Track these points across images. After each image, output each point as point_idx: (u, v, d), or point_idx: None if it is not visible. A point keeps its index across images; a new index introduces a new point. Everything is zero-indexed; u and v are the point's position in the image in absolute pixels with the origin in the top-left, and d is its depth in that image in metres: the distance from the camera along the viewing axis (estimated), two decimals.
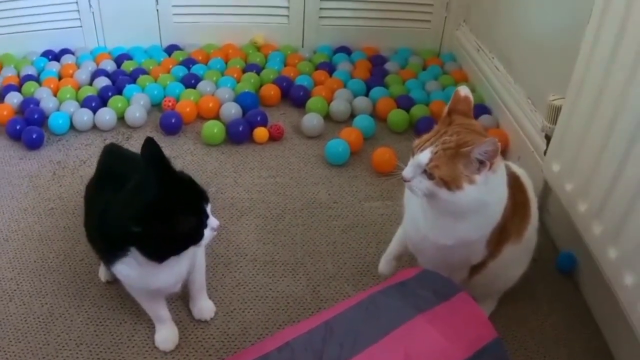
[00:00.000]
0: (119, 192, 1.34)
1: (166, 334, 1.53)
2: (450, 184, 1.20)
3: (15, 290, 1.69)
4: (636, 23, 1.31)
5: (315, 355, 1.12)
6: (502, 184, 1.29)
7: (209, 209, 1.34)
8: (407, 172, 1.25)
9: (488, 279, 1.45)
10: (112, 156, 1.66)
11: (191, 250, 1.34)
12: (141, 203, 1.26)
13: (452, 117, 1.28)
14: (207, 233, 1.33)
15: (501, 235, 1.35)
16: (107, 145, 1.73)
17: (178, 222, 1.27)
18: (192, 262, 1.49)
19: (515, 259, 1.47)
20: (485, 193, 1.23)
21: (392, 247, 1.57)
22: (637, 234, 1.29)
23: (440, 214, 1.29)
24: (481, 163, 1.19)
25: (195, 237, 1.32)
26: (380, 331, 1.14)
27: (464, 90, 1.31)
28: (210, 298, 1.64)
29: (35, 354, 1.51)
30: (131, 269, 1.36)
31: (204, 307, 1.61)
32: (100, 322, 1.59)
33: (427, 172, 1.21)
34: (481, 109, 2.41)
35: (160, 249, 1.31)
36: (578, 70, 1.57)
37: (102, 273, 1.70)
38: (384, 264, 1.58)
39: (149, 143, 1.30)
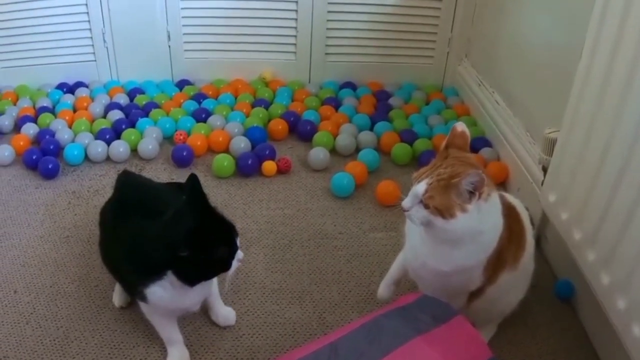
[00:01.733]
0: (146, 219, 1.45)
1: (179, 356, 1.58)
2: (444, 212, 1.27)
3: (31, 313, 1.74)
4: (624, 60, 1.37)
5: None
6: (496, 212, 1.36)
7: (238, 241, 1.44)
8: (405, 202, 1.33)
9: (487, 304, 1.49)
10: (130, 183, 1.76)
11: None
12: (186, 229, 1.35)
13: (448, 150, 1.35)
14: (234, 263, 1.43)
15: (498, 263, 1.40)
16: (123, 171, 1.82)
17: (216, 250, 1.38)
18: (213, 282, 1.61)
19: (513, 285, 1.52)
20: (479, 221, 1.30)
21: (392, 272, 1.62)
22: (628, 260, 1.34)
23: (438, 241, 1.36)
24: (471, 193, 1.26)
25: (225, 265, 1.42)
26: (381, 351, 1.19)
27: (460, 126, 1.38)
28: (219, 324, 1.70)
29: None
30: (165, 291, 1.44)
31: (227, 312, 1.71)
32: (114, 346, 1.63)
33: (423, 202, 1.29)
34: (482, 142, 2.47)
35: (196, 273, 1.41)
36: (571, 104, 1.63)
37: (117, 298, 1.75)
38: (384, 288, 1.62)
39: (192, 179, 1.41)
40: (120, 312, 1.74)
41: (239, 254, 1.44)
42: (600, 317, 1.53)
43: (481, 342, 1.27)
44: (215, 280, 1.63)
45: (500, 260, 1.40)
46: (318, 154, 2.38)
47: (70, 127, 2.61)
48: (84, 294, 1.80)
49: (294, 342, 1.65)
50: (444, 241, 1.35)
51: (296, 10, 2.85)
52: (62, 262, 1.93)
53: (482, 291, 1.46)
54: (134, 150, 2.50)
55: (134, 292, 1.53)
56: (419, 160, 2.38)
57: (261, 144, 2.44)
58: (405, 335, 1.22)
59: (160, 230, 1.41)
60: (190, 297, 1.50)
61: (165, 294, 1.44)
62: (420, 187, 1.30)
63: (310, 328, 1.69)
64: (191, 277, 1.40)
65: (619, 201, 1.38)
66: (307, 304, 1.77)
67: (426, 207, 1.29)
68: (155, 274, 1.42)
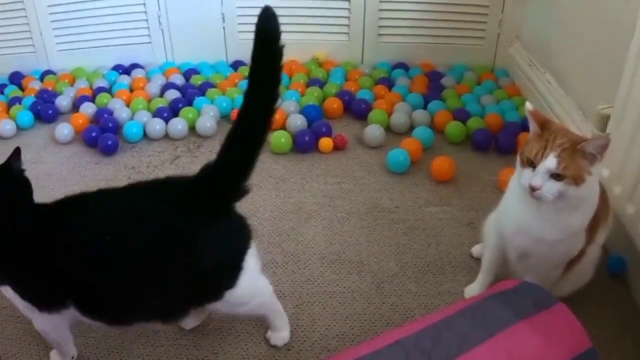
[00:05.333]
0: None
1: None
2: (577, 179, 1.31)
3: None
4: None
5: (423, 354, 1.16)
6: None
7: None
8: (536, 181, 1.33)
9: (586, 268, 1.54)
10: None
11: None
12: None
13: (548, 124, 1.37)
14: None
15: (595, 222, 1.45)
16: None
17: None
18: None
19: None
20: (595, 182, 1.36)
21: (487, 271, 1.67)
22: None
23: (558, 211, 1.37)
24: (592, 156, 1.30)
25: None
26: (484, 334, 1.19)
27: (531, 105, 1.42)
28: (281, 292, 1.73)
29: (115, 339, 1.61)
30: None
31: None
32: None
33: (558, 175, 1.31)
34: None
35: None
36: (625, 80, 1.67)
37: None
38: (478, 289, 1.69)
39: None
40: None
41: None
42: None
43: (581, 330, 1.25)
44: None
45: (596, 218, 1.44)
46: (374, 131, 2.43)
47: (127, 106, 2.70)
48: None
49: (353, 310, 1.69)
50: (568, 209, 1.37)
51: None
52: None
53: (582, 253, 1.49)
54: (192, 128, 2.58)
55: None
56: (472, 139, 2.41)
57: (317, 122, 2.49)
58: (507, 320, 1.22)
59: None
60: None
61: None
62: (550, 162, 1.31)
63: (368, 297, 1.73)
64: None
65: None
66: (365, 274, 1.81)
67: (560, 178, 1.31)
68: None
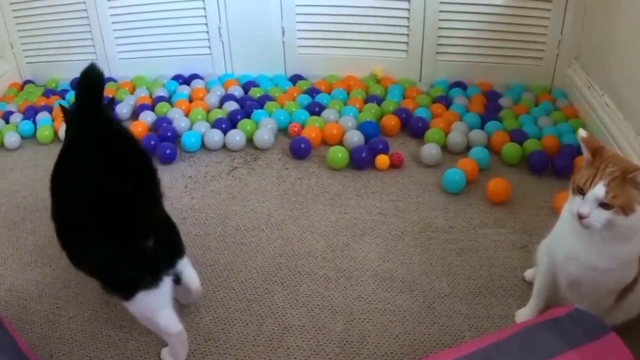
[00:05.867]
0: None
1: None
2: (627, 209, 1.30)
3: None
4: None
5: None
6: None
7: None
8: (584, 209, 1.33)
9: (638, 297, 1.51)
10: None
11: None
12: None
13: (601, 151, 1.37)
14: None
15: None
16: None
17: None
18: None
19: None
20: None
21: (539, 296, 1.65)
22: None
23: (609, 240, 1.36)
24: None
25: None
26: None
27: (584, 132, 1.41)
28: (333, 307, 1.77)
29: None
30: None
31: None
32: (228, 322, 1.74)
33: (606, 204, 1.30)
34: None
35: None
36: None
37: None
38: (530, 313, 1.67)
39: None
40: (234, 291, 1.84)
41: None
42: None
43: None
44: None
45: None
46: (430, 149, 2.43)
47: (186, 115, 2.76)
48: (200, 272, 1.87)
49: (403, 329, 1.70)
50: (618, 238, 1.36)
51: (408, 9, 2.91)
52: None
53: (636, 282, 1.47)
54: (249, 140, 2.62)
55: None
56: (528, 161, 2.39)
57: (375, 138, 2.51)
58: (557, 349, 1.22)
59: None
60: None
61: None
62: (598, 191, 1.31)
63: (419, 316, 1.74)
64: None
65: None
66: (417, 294, 1.82)
67: (608, 207, 1.31)
68: None
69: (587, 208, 1.32)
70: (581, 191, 1.35)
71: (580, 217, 1.34)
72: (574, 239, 1.44)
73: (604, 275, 1.42)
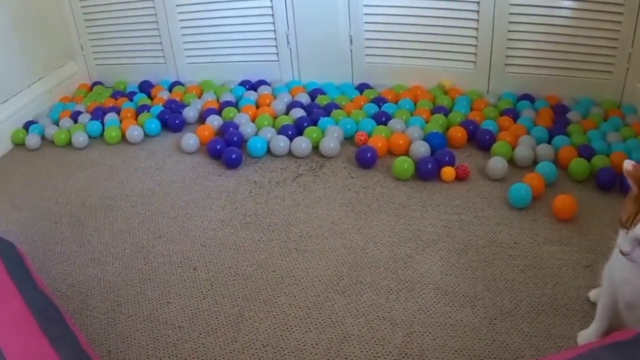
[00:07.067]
0: None
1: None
2: None
3: (209, 290, 1.92)
4: None
5: None
6: None
7: None
8: (624, 247, 1.29)
9: None
10: None
11: None
12: None
13: None
14: None
15: None
16: None
17: None
18: None
19: None
20: None
21: (601, 321, 1.61)
22: None
23: None
24: None
25: None
26: None
27: (629, 164, 1.37)
28: (393, 319, 1.77)
29: (223, 348, 1.70)
30: None
31: None
32: (287, 329, 1.76)
33: None
34: None
35: None
36: None
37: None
38: (591, 337, 1.63)
39: None
40: (294, 298, 1.87)
41: None
42: None
43: None
44: None
45: None
46: (497, 163, 2.41)
47: (253, 121, 2.80)
48: (261, 277, 1.94)
49: (463, 345, 1.69)
50: None
51: (477, 20, 2.89)
52: (242, 246, 2.10)
53: None
54: (315, 148, 2.64)
55: None
56: (596, 177, 2.35)
57: (441, 150, 2.50)
58: None
59: None
60: None
61: None
62: (639, 231, 1.27)
63: (480, 332, 1.73)
64: None
65: None
66: (478, 309, 1.81)
67: None
68: None
69: (629, 247, 1.29)
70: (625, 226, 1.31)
71: (623, 253, 1.30)
72: (628, 263, 1.40)
73: None
